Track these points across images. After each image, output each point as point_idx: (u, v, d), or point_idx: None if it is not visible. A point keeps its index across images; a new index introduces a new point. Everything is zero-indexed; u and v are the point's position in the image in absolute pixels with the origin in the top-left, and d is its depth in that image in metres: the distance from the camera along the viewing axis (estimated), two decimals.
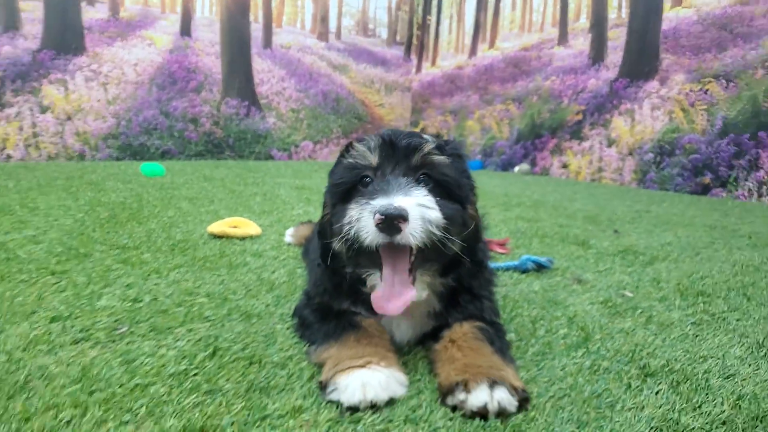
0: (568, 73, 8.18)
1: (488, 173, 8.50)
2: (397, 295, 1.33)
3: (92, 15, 8.55)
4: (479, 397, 1.22)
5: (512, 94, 9.04)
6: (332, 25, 10.58)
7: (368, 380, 1.27)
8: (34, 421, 1.13)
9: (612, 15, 7.70)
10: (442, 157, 1.40)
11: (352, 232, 1.28)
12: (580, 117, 7.97)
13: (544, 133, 8.43)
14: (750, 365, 1.63)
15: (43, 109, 8.08)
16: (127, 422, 1.15)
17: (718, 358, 1.66)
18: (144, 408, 1.21)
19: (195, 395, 1.28)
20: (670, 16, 7.02)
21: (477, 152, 9.51)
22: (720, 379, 1.52)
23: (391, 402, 1.28)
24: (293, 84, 10.19)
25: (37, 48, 8.07)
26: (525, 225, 3.79)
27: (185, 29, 9.36)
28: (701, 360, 1.65)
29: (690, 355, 1.68)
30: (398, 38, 11.12)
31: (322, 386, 1.31)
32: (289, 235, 3.06)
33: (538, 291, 2.29)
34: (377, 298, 1.34)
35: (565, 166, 8.17)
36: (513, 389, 1.26)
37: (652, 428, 1.23)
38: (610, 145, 7.57)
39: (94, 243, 2.77)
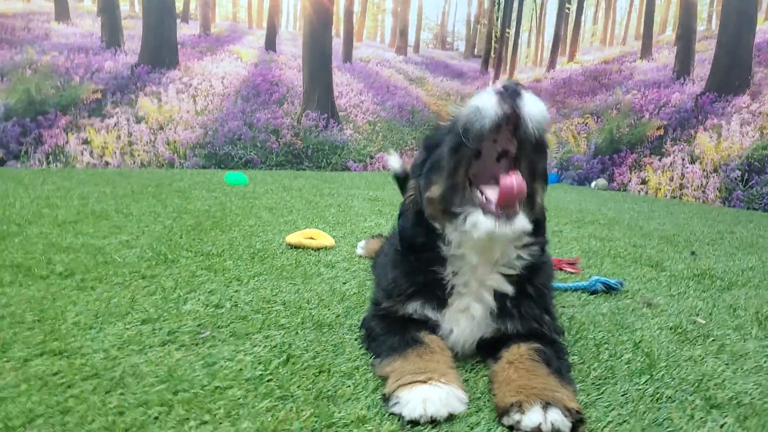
0: (651, 87, 7.93)
1: (564, 187, 8.35)
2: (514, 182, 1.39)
3: (185, 31, 9.08)
4: (533, 418, 1.25)
5: (591, 107, 8.85)
6: (411, 38, 10.73)
7: (429, 396, 1.33)
8: (127, 415, 1.26)
9: (701, 27, 7.40)
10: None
11: (472, 114, 1.34)
12: (661, 132, 7.69)
13: (622, 148, 8.20)
14: None
15: (138, 120, 8.65)
16: (206, 422, 1.27)
17: None
18: (222, 410, 1.32)
19: (268, 400, 1.38)
20: (765, 28, 6.68)
21: (553, 166, 9.35)
22: None
23: (450, 418, 1.33)
24: (371, 97, 10.40)
25: (135, 63, 8.64)
26: (598, 244, 3.72)
27: (270, 44, 9.76)
28: None
29: (762, 389, 1.63)
30: (476, 51, 11.13)
31: (385, 399, 1.38)
32: (360, 248, 3.16)
33: (606, 313, 2.27)
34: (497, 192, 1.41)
35: (644, 182, 7.90)
36: (567, 411, 1.28)
37: None
38: (693, 162, 7.26)
39: (180, 249, 2.97)
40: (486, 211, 1.43)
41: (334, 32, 10.13)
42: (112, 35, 8.50)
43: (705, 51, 7.34)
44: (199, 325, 1.87)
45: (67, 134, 8.14)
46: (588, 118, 8.84)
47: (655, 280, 2.85)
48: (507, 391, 1.36)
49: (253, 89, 9.54)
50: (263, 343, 1.75)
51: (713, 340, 1.99)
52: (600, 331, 2.04)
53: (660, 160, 7.70)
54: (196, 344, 1.72)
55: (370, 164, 10.38)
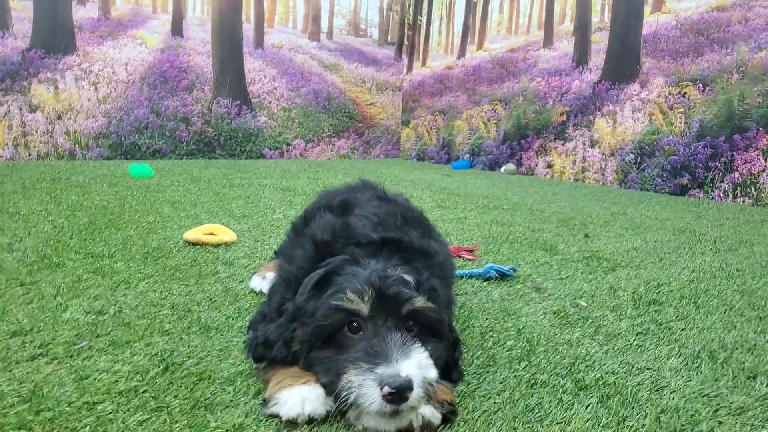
0: (553, 75, 8.25)
1: (475, 173, 8.58)
2: None
3: (83, 14, 8.58)
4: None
5: (499, 94, 9.11)
6: (324, 25, 10.61)
7: (307, 395, 1.36)
8: None
9: (595, 18, 7.75)
10: (427, 304, 1.40)
11: (352, 398, 1.27)
12: (564, 118, 8.04)
13: (529, 134, 8.51)
14: (682, 377, 1.71)
15: (33, 108, 8.12)
16: None
17: (654, 370, 1.74)
18: (88, 428, 1.28)
19: (141, 413, 1.35)
20: (651, 21, 7.09)
21: (465, 152, 9.57)
22: (650, 392, 1.60)
23: (328, 417, 1.36)
24: (285, 83, 10.22)
25: (26, 47, 8.10)
26: (498, 229, 3.86)
27: (176, 29, 9.38)
28: (637, 372, 1.73)
29: (628, 368, 1.76)
30: (389, 38, 11.16)
31: (265, 402, 1.39)
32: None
33: (496, 300, 2.37)
34: None
35: (549, 166, 8.24)
36: (439, 403, 1.35)
37: None
38: (593, 146, 7.64)
39: (69, 251, 2.83)
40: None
41: (245, 17, 9.87)
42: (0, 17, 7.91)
43: (600, 41, 7.70)
44: (76, 335, 1.80)
45: None
46: (497, 104, 9.08)
47: (548, 264, 2.99)
48: None
49: (160, 76, 9.16)
50: (144, 351, 1.71)
51: (591, 322, 2.12)
52: (487, 319, 2.13)
53: (563, 144, 8.05)
54: (71, 356, 1.65)
55: (287, 151, 10.25)
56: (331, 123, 10.72)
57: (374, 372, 1.26)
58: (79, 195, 4.70)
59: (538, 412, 1.46)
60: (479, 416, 1.42)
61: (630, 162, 7.17)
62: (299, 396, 1.35)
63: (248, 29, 9.92)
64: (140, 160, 8.09)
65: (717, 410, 1.51)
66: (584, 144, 7.76)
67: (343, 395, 1.29)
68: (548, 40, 8.48)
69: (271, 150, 10.14)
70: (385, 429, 1.29)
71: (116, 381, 1.50)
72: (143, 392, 1.45)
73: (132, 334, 1.84)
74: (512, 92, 8.89)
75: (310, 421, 1.34)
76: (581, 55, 7.93)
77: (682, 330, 2.12)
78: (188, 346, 1.76)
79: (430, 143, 10.43)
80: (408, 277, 1.44)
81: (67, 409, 1.35)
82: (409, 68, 11.04)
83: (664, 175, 6.76)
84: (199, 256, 2.90)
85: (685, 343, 1.98)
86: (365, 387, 1.26)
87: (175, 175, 6.65)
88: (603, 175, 7.49)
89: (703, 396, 1.58)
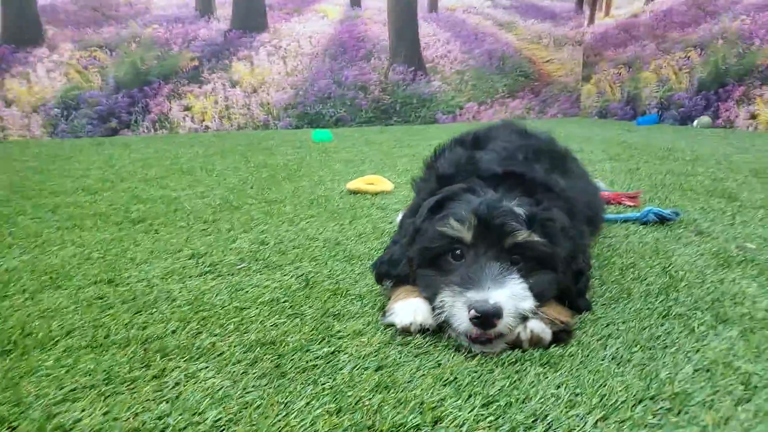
0: (762, 10, 7.13)
1: (663, 128, 7.83)
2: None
3: None
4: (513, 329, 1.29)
5: (694, 39, 8.13)
6: None
7: (419, 306, 1.42)
8: (148, 329, 1.44)
9: None
10: (533, 237, 1.36)
11: (443, 316, 1.32)
12: None
13: (729, 81, 7.50)
14: None
15: (233, 84, 9.06)
16: (216, 334, 1.41)
17: None
18: (233, 325, 1.46)
19: (278, 316, 1.51)
20: None
21: (653, 106, 8.75)
22: None
23: (440, 329, 1.39)
24: (458, 46, 10.18)
25: (227, 29, 9.02)
26: (673, 179, 3.52)
27: (355, 0, 9.79)
28: None
29: None
30: None
31: (384, 313, 1.47)
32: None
33: (648, 242, 2.19)
34: None
35: (753, 116, 7.21)
36: (550, 321, 1.31)
37: (697, 370, 1.20)
38: None
39: (247, 197, 3.17)
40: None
41: None
42: (205, 3, 8.90)
43: None
44: (240, 259, 2.04)
45: (170, 102, 8.72)
46: (690, 51, 8.14)
47: (721, 210, 2.68)
48: None
49: (340, 47, 9.65)
50: (292, 273, 1.88)
51: (756, 264, 1.88)
52: (632, 257, 1.99)
53: None
54: (232, 274, 1.88)
55: (460, 115, 10.25)
56: (506, 83, 10.47)
57: (464, 295, 1.28)
58: (266, 156, 5.19)
59: (664, 339, 1.36)
60: (597, 340, 1.36)
61: None
62: (412, 307, 1.41)
63: None
64: (325, 128, 8.66)
65: None
66: None
67: (435, 313, 1.33)
68: None
69: (443, 114, 10.21)
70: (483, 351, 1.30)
71: (263, 293, 1.68)
72: (283, 302, 1.61)
73: (285, 259, 2.03)
74: (710, 35, 7.89)
75: (423, 331, 1.38)
76: None
77: None
78: (330, 270, 1.90)
79: (613, 99, 9.72)
80: (520, 210, 1.38)
81: (221, 311, 1.55)
82: (591, 20, 10.32)
83: None
84: (357, 202, 3.07)
85: None
86: (455, 308, 1.29)
87: (354, 139, 7.01)
88: None
89: None
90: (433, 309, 1.35)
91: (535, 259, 1.38)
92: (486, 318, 1.23)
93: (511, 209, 1.39)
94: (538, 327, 1.29)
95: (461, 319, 1.27)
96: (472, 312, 1.23)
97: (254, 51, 9.20)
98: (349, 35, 9.75)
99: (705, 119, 7.63)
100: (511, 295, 1.27)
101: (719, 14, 7.75)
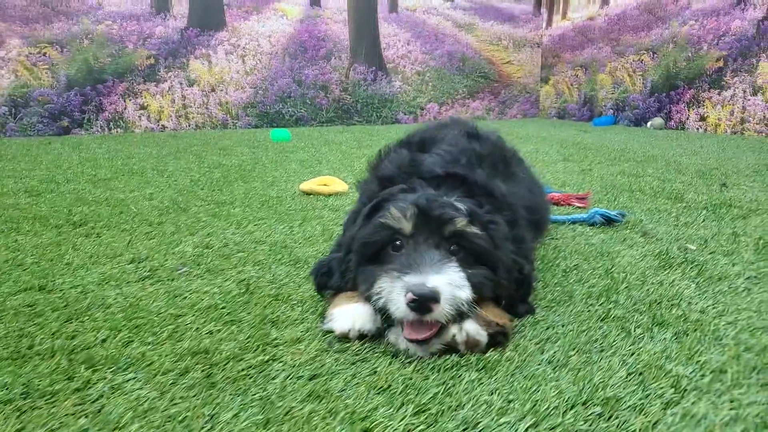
0: (709, 16, 7.36)
1: (618, 129, 7.99)
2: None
3: None
4: (449, 330, 1.28)
5: (646, 43, 8.34)
6: None
7: (357, 312, 1.40)
8: (77, 338, 1.38)
9: None
10: (472, 229, 1.37)
11: (381, 302, 1.30)
12: (720, 63, 7.17)
13: (679, 84, 7.71)
14: None
15: (191, 83, 8.90)
16: (148, 343, 1.36)
17: (756, 312, 1.54)
18: (166, 333, 1.41)
19: (214, 324, 1.47)
20: None
21: (609, 107, 8.93)
22: (739, 331, 1.42)
23: (378, 335, 1.38)
24: (419, 46, 10.21)
25: (184, 26, 8.85)
26: (623, 180, 3.58)
27: None
28: (733, 313, 1.53)
29: (722, 308, 1.57)
30: None
31: (323, 319, 1.45)
32: None
33: (594, 243, 2.22)
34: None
35: (703, 118, 7.43)
36: (486, 324, 1.30)
37: (631, 373, 1.21)
38: (755, 93, 6.75)
39: (196, 199, 3.10)
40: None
41: None
42: (161, 1, 8.71)
43: None
44: (182, 263, 1.98)
45: (125, 100, 8.51)
46: (643, 54, 8.34)
47: (667, 211, 2.74)
48: None
49: (300, 46, 9.57)
50: (233, 278, 1.84)
51: (696, 265, 1.92)
52: (576, 259, 2.01)
53: (719, 93, 7.21)
54: (172, 279, 1.82)
55: (421, 116, 10.28)
56: (466, 84, 10.55)
57: (402, 279, 1.26)
58: (221, 156, 5.10)
59: (602, 342, 1.36)
60: (535, 343, 1.36)
61: None
62: (350, 313, 1.39)
63: None
64: (284, 128, 8.57)
65: None
66: (744, 92, 6.89)
67: (373, 300, 1.32)
68: None
69: (405, 114, 10.23)
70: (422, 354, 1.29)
71: (201, 299, 1.64)
72: (221, 308, 1.57)
73: (228, 263, 1.99)
74: (661, 39, 8.10)
75: (362, 336, 1.36)
76: None
77: None
78: (273, 274, 1.87)
79: (571, 100, 9.89)
80: (460, 204, 1.39)
81: (155, 318, 1.50)
82: (549, 22, 10.48)
83: None
84: (309, 204, 3.03)
85: None
86: (393, 293, 1.27)
87: (313, 139, 6.96)
88: (767, 125, 6.61)
89: None
90: (369, 298, 1.34)
91: (474, 253, 1.38)
92: (423, 301, 1.22)
93: (451, 202, 1.40)
94: (473, 329, 1.29)
95: (398, 303, 1.25)
96: (409, 295, 1.22)
97: (212, 50, 9.05)
98: (309, 35, 9.68)
99: (658, 121, 7.83)
100: (448, 281, 1.27)
101: (669, 19, 7.96)
